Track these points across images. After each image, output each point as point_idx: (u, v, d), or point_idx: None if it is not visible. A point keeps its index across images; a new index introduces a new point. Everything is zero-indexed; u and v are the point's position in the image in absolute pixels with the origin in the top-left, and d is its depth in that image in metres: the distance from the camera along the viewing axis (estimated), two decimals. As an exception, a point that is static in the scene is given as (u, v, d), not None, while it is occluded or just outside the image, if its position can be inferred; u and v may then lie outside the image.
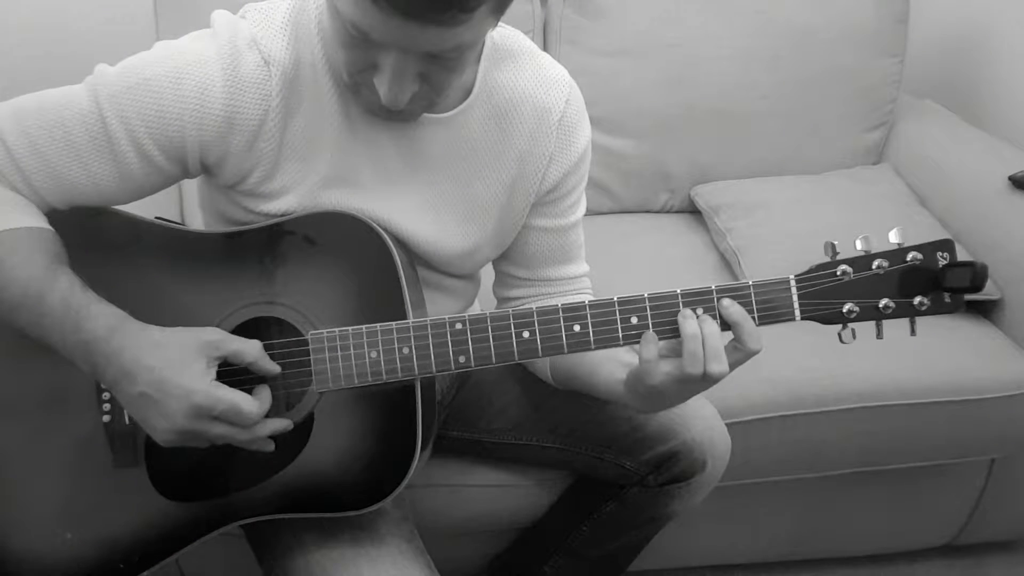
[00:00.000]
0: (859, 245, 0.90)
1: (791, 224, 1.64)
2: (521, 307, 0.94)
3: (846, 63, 1.80)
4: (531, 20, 1.75)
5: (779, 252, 1.58)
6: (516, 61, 1.03)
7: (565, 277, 1.15)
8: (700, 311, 0.91)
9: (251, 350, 0.91)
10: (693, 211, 1.85)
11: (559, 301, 1.11)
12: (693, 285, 0.92)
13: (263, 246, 0.97)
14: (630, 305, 0.91)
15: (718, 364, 0.89)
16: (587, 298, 1.09)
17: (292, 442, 0.95)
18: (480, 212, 1.06)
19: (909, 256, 0.89)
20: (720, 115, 1.79)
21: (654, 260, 1.69)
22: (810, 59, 1.79)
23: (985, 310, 1.56)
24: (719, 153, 1.82)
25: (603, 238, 1.76)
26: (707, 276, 1.65)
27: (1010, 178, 1.58)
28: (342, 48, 0.86)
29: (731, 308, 0.90)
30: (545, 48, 1.76)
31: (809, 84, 1.80)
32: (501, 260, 1.15)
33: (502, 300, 1.18)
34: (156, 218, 1.01)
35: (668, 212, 1.89)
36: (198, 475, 0.97)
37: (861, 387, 1.39)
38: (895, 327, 0.92)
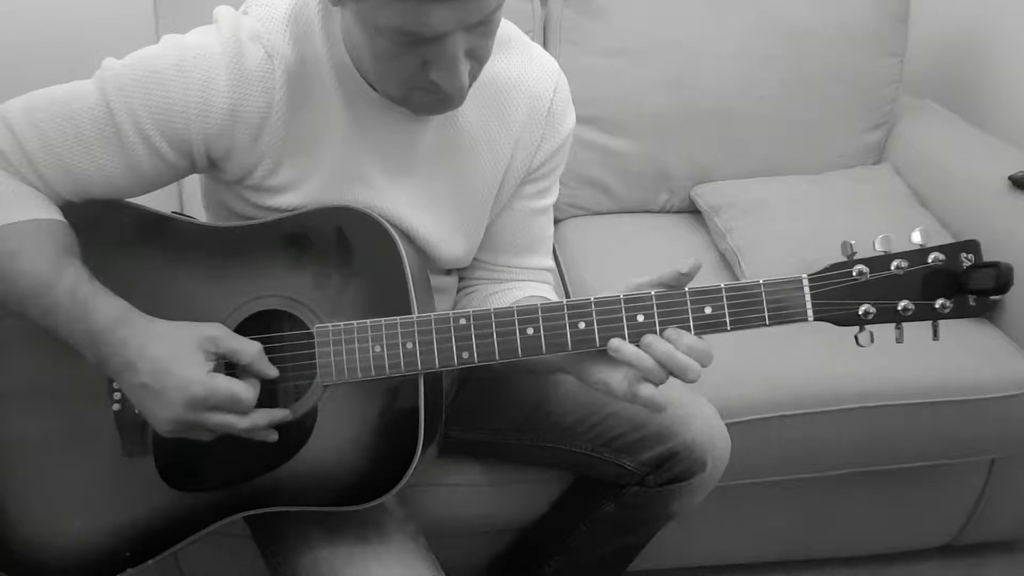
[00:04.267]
0: (878, 245, 0.87)
1: (791, 224, 1.64)
2: (525, 303, 0.94)
3: (846, 63, 1.80)
4: (531, 20, 1.75)
5: (779, 252, 1.58)
6: (507, 50, 1.04)
7: (522, 267, 1.15)
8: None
9: (248, 351, 0.92)
10: (693, 211, 1.85)
11: (506, 288, 1.13)
12: (693, 285, 0.91)
13: (271, 240, 0.98)
14: (636, 303, 0.90)
15: (693, 374, 0.87)
16: (532, 291, 1.11)
17: (296, 435, 0.96)
18: (480, 201, 1.07)
19: (931, 257, 0.86)
20: (720, 115, 1.79)
21: (654, 260, 1.67)
22: (810, 59, 1.79)
23: (996, 301, 1.55)
24: (719, 153, 1.82)
25: (603, 238, 1.76)
26: (707, 276, 1.64)
27: (1010, 178, 1.58)
28: (389, 61, 0.87)
29: (621, 349, 0.89)
30: (545, 48, 1.76)
31: (809, 84, 1.80)
32: None
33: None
34: (173, 213, 1.02)
35: (668, 212, 1.89)
36: (204, 465, 0.97)
37: (861, 387, 1.39)
38: (912, 326, 0.89)
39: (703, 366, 0.88)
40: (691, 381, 0.88)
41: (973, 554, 1.69)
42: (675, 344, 0.88)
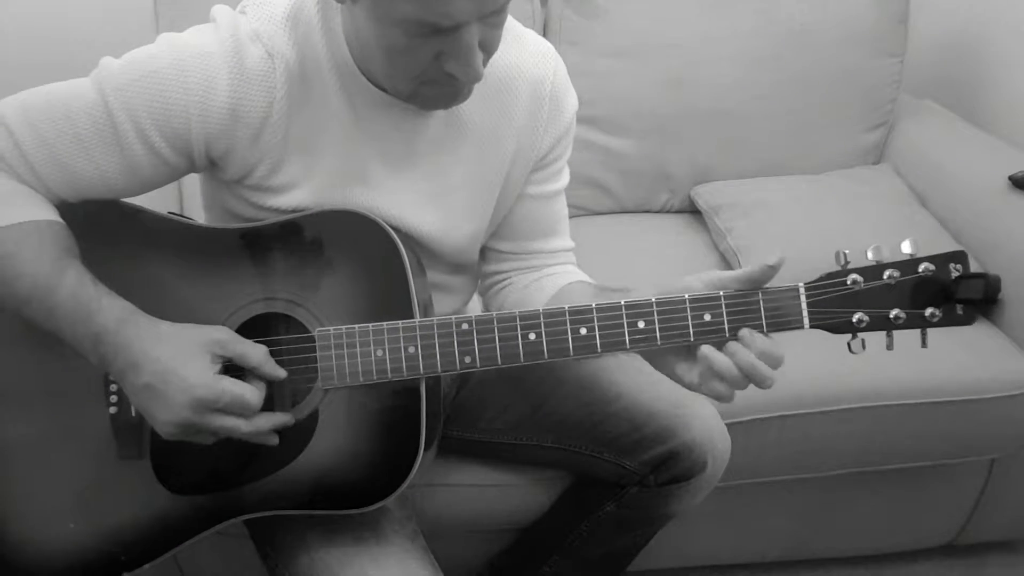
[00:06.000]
0: (870, 255, 0.89)
1: (791, 224, 1.64)
2: (527, 309, 0.94)
3: (846, 63, 1.80)
4: (531, 20, 1.75)
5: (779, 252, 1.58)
6: (503, 39, 1.04)
7: (548, 250, 1.16)
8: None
9: (256, 354, 0.92)
10: (693, 211, 1.85)
11: (544, 275, 1.13)
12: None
13: (272, 243, 0.98)
14: (637, 309, 0.91)
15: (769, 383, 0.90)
16: (574, 276, 1.11)
17: (296, 438, 0.95)
18: (486, 192, 1.07)
19: (921, 267, 0.88)
20: (720, 115, 1.79)
21: (654, 260, 1.69)
22: (810, 59, 1.79)
23: (985, 310, 1.56)
24: (719, 153, 1.82)
25: (603, 238, 1.76)
26: (707, 276, 1.64)
27: (1010, 178, 1.58)
28: (402, 55, 0.87)
29: (711, 357, 0.90)
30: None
31: (809, 84, 1.80)
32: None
33: (486, 275, 1.19)
34: (169, 213, 1.01)
35: (668, 212, 1.89)
36: (202, 469, 0.97)
37: (861, 387, 1.39)
38: (901, 333, 0.91)
39: (773, 368, 0.90)
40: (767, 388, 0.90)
41: (973, 554, 1.69)
42: (749, 346, 0.89)
